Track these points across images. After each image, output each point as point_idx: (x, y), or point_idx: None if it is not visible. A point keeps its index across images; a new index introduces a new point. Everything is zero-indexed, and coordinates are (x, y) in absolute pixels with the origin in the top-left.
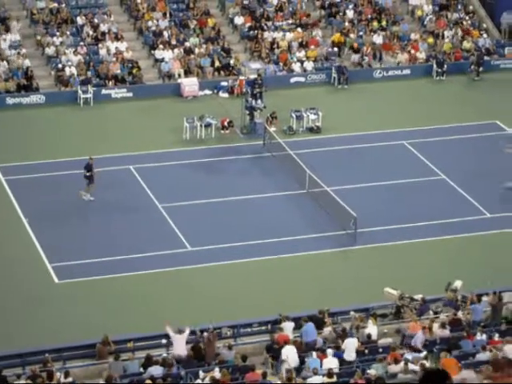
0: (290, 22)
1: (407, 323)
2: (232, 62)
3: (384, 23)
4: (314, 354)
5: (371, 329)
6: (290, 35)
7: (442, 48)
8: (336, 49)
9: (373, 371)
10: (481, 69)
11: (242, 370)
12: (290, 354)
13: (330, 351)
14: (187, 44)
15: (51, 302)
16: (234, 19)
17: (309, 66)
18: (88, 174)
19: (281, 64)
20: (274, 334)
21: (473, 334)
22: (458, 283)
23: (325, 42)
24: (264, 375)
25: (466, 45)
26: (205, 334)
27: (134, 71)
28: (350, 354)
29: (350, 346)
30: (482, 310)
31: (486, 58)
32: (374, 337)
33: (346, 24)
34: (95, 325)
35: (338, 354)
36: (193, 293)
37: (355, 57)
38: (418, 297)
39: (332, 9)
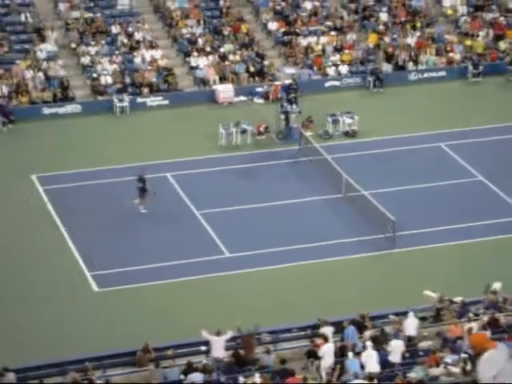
0: (326, 24)
1: (447, 326)
2: (266, 67)
3: (418, 25)
4: (351, 354)
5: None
6: (324, 39)
7: (476, 49)
8: (371, 51)
9: (413, 374)
10: None
11: (282, 373)
12: (326, 352)
13: (373, 352)
14: (221, 50)
15: (91, 310)
16: (268, 25)
17: (343, 69)
18: (140, 185)
19: (315, 68)
20: (314, 339)
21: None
22: (497, 285)
23: (359, 45)
24: (304, 380)
25: (502, 45)
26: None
27: (169, 79)
28: (395, 356)
29: (396, 348)
30: None
31: None
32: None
33: (381, 27)
34: (135, 333)
35: (384, 356)
36: (232, 299)
37: (388, 66)
38: (458, 299)
39: (365, 12)
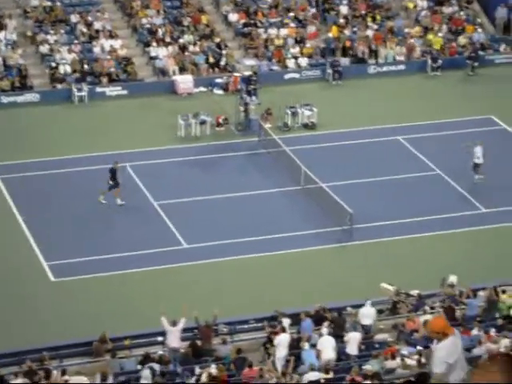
0: (288, 16)
1: (403, 319)
2: (226, 58)
3: (378, 18)
4: (307, 345)
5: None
6: (284, 31)
7: (434, 45)
8: (331, 43)
9: (369, 367)
10: (476, 64)
11: (238, 363)
12: (281, 343)
13: (329, 338)
14: (181, 41)
15: (48, 300)
16: (228, 16)
17: (303, 62)
18: (112, 180)
19: (275, 60)
20: (275, 326)
21: (469, 329)
22: (453, 278)
23: (320, 38)
24: (260, 371)
25: (462, 40)
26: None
27: (129, 68)
28: (352, 348)
29: (353, 340)
30: (478, 305)
31: (480, 52)
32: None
33: (341, 20)
34: (92, 323)
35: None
36: (189, 290)
37: (345, 60)
38: (414, 292)
39: (326, 5)
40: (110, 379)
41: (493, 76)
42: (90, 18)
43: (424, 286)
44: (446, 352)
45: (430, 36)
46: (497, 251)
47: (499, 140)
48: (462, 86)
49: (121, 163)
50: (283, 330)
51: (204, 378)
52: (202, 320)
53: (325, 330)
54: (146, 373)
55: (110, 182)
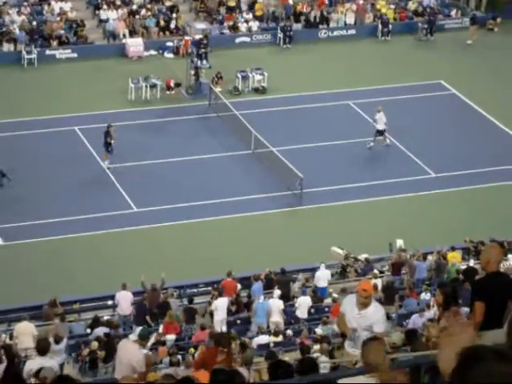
0: None
1: (352, 283)
2: (176, 21)
3: None
4: (262, 297)
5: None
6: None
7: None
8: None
9: (319, 330)
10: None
11: (187, 313)
12: (219, 307)
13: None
14: (132, 5)
15: None
16: None
17: (254, 25)
18: (107, 140)
19: (225, 24)
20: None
21: (417, 293)
22: (400, 242)
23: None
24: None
25: (412, 5)
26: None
27: (79, 31)
28: (302, 312)
29: (304, 304)
30: (426, 269)
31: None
32: None
33: None
34: (42, 286)
35: (288, 312)
36: (139, 254)
37: (297, 25)
38: (363, 257)
39: None
40: (64, 342)
41: (443, 41)
42: None
43: (374, 249)
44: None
45: (380, 6)
46: (446, 216)
47: (449, 104)
48: (412, 51)
49: (71, 126)
50: (220, 294)
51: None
52: (148, 284)
53: (277, 292)
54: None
55: (107, 141)
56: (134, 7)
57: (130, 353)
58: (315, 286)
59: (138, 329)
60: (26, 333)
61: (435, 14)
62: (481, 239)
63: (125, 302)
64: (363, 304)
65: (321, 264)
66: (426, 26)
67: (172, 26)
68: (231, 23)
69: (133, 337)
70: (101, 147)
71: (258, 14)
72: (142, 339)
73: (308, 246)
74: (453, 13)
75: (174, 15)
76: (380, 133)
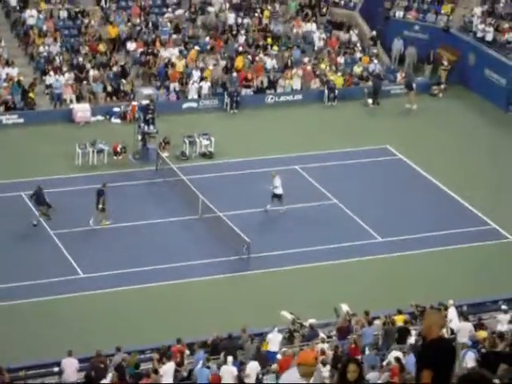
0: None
1: (297, 348)
2: (124, 86)
3: (276, 48)
4: (200, 363)
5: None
6: (182, 62)
7: (334, 80)
8: (234, 74)
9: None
10: (375, 97)
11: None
12: (166, 371)
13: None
14: (79, 69)
15: None
16: (127, 44)
17: (205, 86)
18: (99, 200)
19: (174, 85)
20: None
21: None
22: (345, 307)
23: (218, 67)
24: None
25: (357, 70)
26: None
27: (30, 95)
28: (251, 379)
29: (253, 371)
30: (373, 334)
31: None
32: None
33: (240, 49)
34: None
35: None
36: (85, 319)
37: (246, 90)
38: (308, 322)
39: (226, 34)
40: None
41: (388, 106)
42: None
43: (320, 314)
44: None
45: (330, 75)
46: (392, 280)
47: (395, 169)
48: (359, 116)
49: (17, 192)
50: (168, 358)
51: None
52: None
53: (229, 358)
54: None
55: (99, 206)
56: (81, 72)
57: None
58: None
59: None
60: None
61: (380, 80)
62: (426, 303)
63: (70, 368)
64: (308, 375)
65: (274, 327)
66: (371, 95)
67: (121, 89)
68: (179, 86)
69: None
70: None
71: (207, 74)
72: None
73: (256, 310)
74: (398, 77)
75: (124, 80)
76: (278, 197)
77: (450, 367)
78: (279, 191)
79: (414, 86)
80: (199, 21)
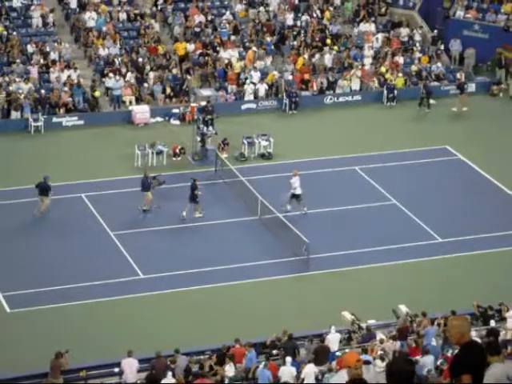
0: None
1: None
2: (184, 88)
3: (335, 48)
4: (263, 363)
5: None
6: (240, 62)
7: (395, 81)
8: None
9: None
10: (431, 101)
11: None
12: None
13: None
14: (138, 71)
15: (3, 331)
16: (187, 46)
17: (262, 88)
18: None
19: (232, 87)
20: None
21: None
22: (403, 308)
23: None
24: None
25: (414, 68)
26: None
27: (96, 93)
28: (308, 379)
29: (309, 373)
30: (435, 334)
31: (436, 83)
32: None
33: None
34: (46, 354)
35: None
36: (147, 321)
37: (305, 92)
38: (367, 323)
39: (281, 35)
40: None
41: (447, 107)
42: (47, 49)
43: (379, 316)
44: None
45: (384, 71)
46: (450, 281)
47: (455, 170)
48: (418, 116)
49: (77, 193)
50: (230, 359)
51: None
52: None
53: (288, 359)
54: None
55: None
56: (141, 74)
57: None
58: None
59: None
60: None
61: (428, 86)
62: (489, 304)
63: (130, 369)
64: (354, 377)
65: (331, 327)
66: (425, 101)
67: (184, 88)
68: (236, 87)
69: None
70: (108, 214)
71: (269, 79)
72: None
73: (315, 312)
74: (458, 76)
75: (189, 76)
76: (296, 197)
77: (483, 367)
78: (298, 191)
79: (467, 87)
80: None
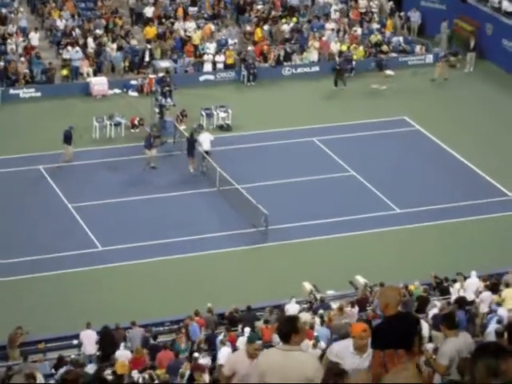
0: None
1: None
2: (141, 60)
3: (294, 20)
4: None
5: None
6: (198, 33)
7: (356, 52)
8: (250, 48)
9: None
10: (388, 72)
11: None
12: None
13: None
14: (96, 42)
15: None
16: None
17: (220, 60)
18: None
19: (190, 59)
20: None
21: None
22: (361, 279)
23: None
24: (176, 355)
25: (374, 38)
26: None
27: (63, 72)
28: None
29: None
30: None
31: (395, 54)
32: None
33: (255, 19)
34: (6, 325)
35: None
36: (103, 293)
37: (263, 64)
38: (324, 294)
39: (240, 4)
40: (40, 379)
41: (405, 78)
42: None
43: (337, 286)
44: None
45: (345, 47)
46: (409, 252)
47: (413, 140)
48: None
49: (35, 165)
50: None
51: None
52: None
53: (246, 330)
54: None
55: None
56: (99, 45)
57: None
58: None
59: None
60: None
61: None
62: (446, 275)
63: (88, 340)
64: (362, 347)
65: (291, 299)
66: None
67: (146, 59)
68: (194, 59)
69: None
70: (66, 185)
71: (229, 61)
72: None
73: (274, 283)
74: (417, 49)
75: (149, 45)
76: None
77: (409, 343)
78: (206, 147)
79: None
80: None
